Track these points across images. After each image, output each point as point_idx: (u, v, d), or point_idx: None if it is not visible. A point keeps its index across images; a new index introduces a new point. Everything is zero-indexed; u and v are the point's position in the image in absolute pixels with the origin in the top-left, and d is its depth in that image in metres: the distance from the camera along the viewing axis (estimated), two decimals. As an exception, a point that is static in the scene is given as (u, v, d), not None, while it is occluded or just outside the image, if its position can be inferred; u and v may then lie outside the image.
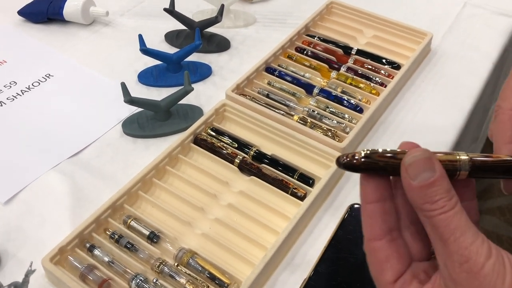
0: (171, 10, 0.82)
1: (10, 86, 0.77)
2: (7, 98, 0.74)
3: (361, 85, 0.75)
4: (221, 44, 0.85)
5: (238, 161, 0.63)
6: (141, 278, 0.51)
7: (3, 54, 0.82)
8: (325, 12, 0.89)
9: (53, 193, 0.62)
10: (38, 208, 0.60)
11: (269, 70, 0.77)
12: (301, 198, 0.59)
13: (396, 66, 0.78)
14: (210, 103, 0.74)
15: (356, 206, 0.58)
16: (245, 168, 0.63)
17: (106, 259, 0.53)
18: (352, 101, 0.72)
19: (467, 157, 0.32)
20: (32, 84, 0.77)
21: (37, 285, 0.52)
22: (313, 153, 0.64)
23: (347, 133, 0.67)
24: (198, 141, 0.66)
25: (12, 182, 0.62)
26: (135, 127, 0.70)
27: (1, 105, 0.73)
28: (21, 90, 0.76)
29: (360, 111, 0.71)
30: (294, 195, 0.60)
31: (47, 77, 0.78)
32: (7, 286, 0.45)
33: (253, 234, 0.56)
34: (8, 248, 0.56)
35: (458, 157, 0.32)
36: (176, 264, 0.54)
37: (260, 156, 0.64)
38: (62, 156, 0.66)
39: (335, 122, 0.68)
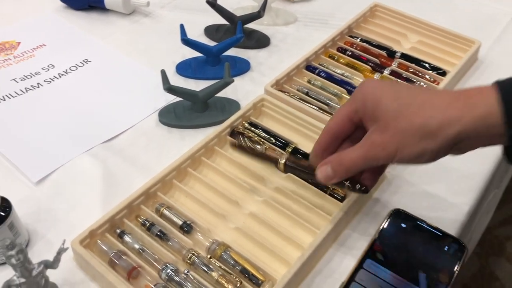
0: (213, 3, 0.81)
1: (48, 69, 0.76)
2: (44, 80, 0.74)
3: (405, 89, 0.72)
4: (260, 41, 0.83)
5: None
6: (171, 268, 0.49)
7: (43, 38, 0.82)
8: (368, 15, 0.87)
9: (85, 176, 0.60)
10: (69, 191, 0.59)
11: (310, 68, 0.75)
12: (340, 200, 0.56)
13: (441, 73, 0.76)
14: (247, 98, 0.72)
15: (400, 211, 0.55)
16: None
17: (137, 246, 0.52)
18: (395, 104, 0.69)
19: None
20: (70, 68, 0.76)
21: (64, 268, 0.50)
22: (354, 154, 0.62)
23: (390, 136, 0.64)
24: (235, 134, 0.64)
25: (45, 163, 0.61)
26: (172, 117, 0.68)
27: (39, 87, 0.73)
28: (58, 74, 0.75)
29: (404, 115, 0.68)
30: (332, 196, 0.57)
31: (85, 62, 0.78)
32: (37, 264, 0.44)
33: (289, 232, 0.54)
34: (37, 228, 0.55)
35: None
36: (208, 256, 0.51)
37: (298, 154, 0.62)
38: (96, 140, 0.65)
39: (378, 124, 0.66)
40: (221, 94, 0.71)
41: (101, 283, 0.50)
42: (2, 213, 0.49)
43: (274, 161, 0.56)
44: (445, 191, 0.60)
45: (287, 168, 0.55)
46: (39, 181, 0.59)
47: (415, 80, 0.73)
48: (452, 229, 0.55)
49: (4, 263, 0.51)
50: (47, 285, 0.45)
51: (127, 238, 0.52)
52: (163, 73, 0.65)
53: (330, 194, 0.57)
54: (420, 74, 0.75)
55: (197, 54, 0.78)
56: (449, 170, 0.62)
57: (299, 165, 0.55)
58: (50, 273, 0.46)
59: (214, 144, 0.63)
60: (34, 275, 0.43)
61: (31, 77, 0.74)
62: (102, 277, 0.48)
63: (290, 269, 0.48)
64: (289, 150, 0.62)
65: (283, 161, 0.55)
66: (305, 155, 0.62)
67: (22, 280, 0.43)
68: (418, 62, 0.77)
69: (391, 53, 0.79)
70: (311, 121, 0.65)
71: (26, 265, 0.42)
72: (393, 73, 0.75)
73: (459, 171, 0.62)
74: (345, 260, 0.53)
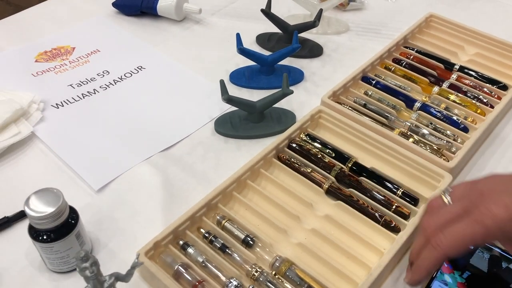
0: (267, 12, 0.80)
1: (103, 75, 0.77)
2: (100, 86, 0.74)
3: (466, 104, 0.70)
4: (313, 50, 0.82)
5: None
6: (237, 283, 0.49)
7: (97, 44, 0.83)
8: (424, 25, 0.85)
9: (145, 185, 0.60)
10: (130, 199, 0.59)
11: (366, 79, 0.74)
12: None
13: (502, 86, 0.73)
14: (301, 108, 0.71)
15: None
16: (342, 182, 0.60)
17: (200, 259, 0.51)
18: (457, 119, 0.67)
19: None
20: (124, 75, 0.77)
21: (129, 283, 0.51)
22: (416, 170, 0.60)
23: (453, 152, 0.62)
24: (293, 146, 0.63)
25: (105, 171, 0.61)
26: (228, 127, 0.68)
27: (95, 93, 0.73)
28: (113, 80, 0.76)
29: (465, 129, 0.66)
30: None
31: (139, 69, 0.78)
32: (109, 276, 0.44)
33: (353, 250, 0.52)
34: (100, 237, 0.55)
35: None
36: (273, 273, 0.51)
37: (358, 169, 0.61)
38: (155, 149, 0.65)
39: (439, 139, 0.64)
40: (276, 104, 0.70)
41: (167, 296, 0.49)
42: (71, 222, 0.49)
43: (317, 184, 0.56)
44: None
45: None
46: (100, 189, 0.60)
47: (476, 95, 0.71)
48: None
49: (70, 271, 0.51)
50: (118, 297, 0.45)
51: (190, 250, 0.52)
52: (222, 83, 0.64)
53: (385, 222, 0.55)
54: (480, 87, 0.73)
55: (250, 62, 0.77)
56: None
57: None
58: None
59: (273, 156, 0.62)
60: (106, 287, 0.43)
61: (87, 83, 0.75)
62: (167, 292, 0.48)
63: (358, 289, 0.47)
64: (349, 164, 0.61)
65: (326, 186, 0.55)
66: (366, 171, 0.60)
67: (95, 292, 0.43)
68: (477, 75, 0.75)
69: (448, 65, 0.77)
70: (372, 135, 0.63)
71: (99, 278, 0.43)
72: (452, 86, 0.73)
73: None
74: (412, 281, 0.51)
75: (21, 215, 0.56)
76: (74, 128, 0.67)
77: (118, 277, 0.44)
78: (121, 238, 0.55)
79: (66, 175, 0.61)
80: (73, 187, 0.60)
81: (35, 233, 0.48)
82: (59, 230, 0.48)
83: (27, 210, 0.46)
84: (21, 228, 0.56)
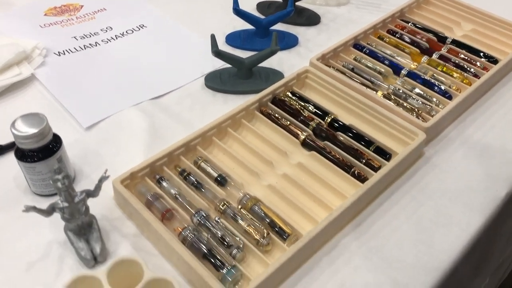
0: (267, -22, 0.82)
1: (106, 31, 0.80)
2: (102, 40, 0.78)
3: (454, 74, 0.71)
4: (311, 19, 0.84)
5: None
6: (203, 214, 0.51)
7: (104, 3, 0.87)
8: (422, 1, 0.86)
9: (131, 127, 0.64)
10: (116, 138, 0.62)
11: (357, 47, 0.76)
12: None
13: (493, 61, 0.74)
14: (291, 70, 0.72)
15: None
16: (319, 137, 0.62)
17: (173, 191, 0.54)
18: (441, 87, 0.68)
19: None
20: (126, 32, 0.80)
21: (103, 206, 0.54)
22: (393, 129, 0.62)
23: (432, 115, 0.63)
24: (276, 101, 0.65)
25: (95, 111, 0.65)
26: (217, 82, 0.70)
27: (96, 46, 0.77)
28: (115, 35, 0.79)
29: (449, 97, 0.67)
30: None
31: (141, 27, 0.82)
32: (80, 192, 0.47)
33: (320, 195, 0.54)
34: (83, 169, 0.58)
35: None
36: (239, 207, 0.53)
37: (337, 124, 0.63)
38: (145, 96, 0.68)
39: (420, 103, 0.65)
40: (266, 65, 0.72)
41: (137, 221, 0.52)
42: (54, 146, 0.52)
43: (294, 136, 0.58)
44: (482, 174, 0.59)
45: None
46: (89, 127, 0.63)
47: (466, 67, 0.72)
48: (487, 211, 0.55)
49: (51, 195, 0.55)
50: (87, 213, 0.48)
51: (164, 184, 0.55)
52: (213, 37, 0.67)
53: (357, 174, 0.57)
54: (471, 60, 0.74)
55: (247, 26, 0.80)
56: (490, 151, 0.61)
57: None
58: (90, 207, 0.49)
59: (255, 108, 0.64)
60: (77, 201, 0.47)
61: (90, 36, 0.79)
62: (138, 215, 0.51)
63: (316, 226, 0.49)
64: (328, 120, 0.63)
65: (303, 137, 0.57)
66: (344, 127, 0.62)
67: (66, 204, 0.46)
68: (470, 49, 0.76)
69: (442, 39, 0.78)
70: (354, 95, 0.65)
71: (70, 191, 0.46)
72: (442, 57, 0.74)
73: (501, 155, 0.61)
74: (374, 226, 0.53)
75: (13, 145, 0.60)
76: (72, 73, 0.71)
77: (88, 193, 0.47)
78: (103, 171, 0.58)
79: (60, 114, 0.65)
80: (64, 124, 0.63)
81: (20, 154, 0.52)
82: (41, 152, 0.51)
83: (13, 130, 0.50)
84: (12, 157, 0.59)
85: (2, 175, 0.57)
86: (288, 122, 0.63)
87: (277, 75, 0.72)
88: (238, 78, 0.70)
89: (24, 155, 0.51)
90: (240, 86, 0.70)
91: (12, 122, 0.51)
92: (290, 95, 0.67)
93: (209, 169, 0.57)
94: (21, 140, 0.50)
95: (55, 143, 0.53)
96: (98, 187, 0.47)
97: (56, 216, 0.51)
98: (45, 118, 0.51)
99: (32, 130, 0.50)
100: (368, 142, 0.60)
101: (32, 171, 0.52)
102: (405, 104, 0.65)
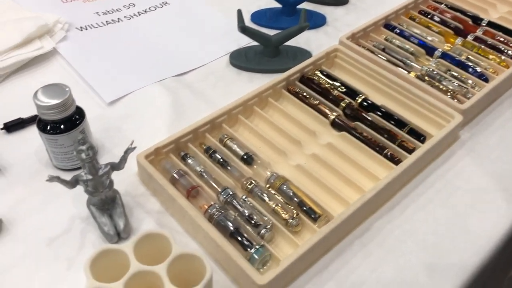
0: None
1: (129, 7, 0.78)
2: (124, 16, 0.76)
3: (490, 56, 0.68)
4: (339, -2, 0.81)
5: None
6: (230, 192, 0.49)
7: (127, -20, 0.85)
8: (456, -19, 0.82)
9: (154, 103, 0.62)
10: (139, 114, 0.60)
11: (388, 27, 0.73)
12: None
13: (531, 44, 0.70)
14: (319, 49, 0.70)
15: None
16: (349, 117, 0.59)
17: (198, 169, 0.52)
18: (477, 69, 0.65)
19: None
20: (149, 8, 0.78)
21: (127, 181, 0.52)
22: (427, 110, 0.59)
23: (468, 98, 0.60)
24: (305, 80, 0.63)
25: (118, 86, 0.63)
26: (242, 59, 0.68)
27: (118, 21, 0.75)
28: (138, 12, 0.77)
29: (486, 80, 0.64)
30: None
31: (164, 4, 0.79)
32: (104, 164, 0.45)
33: (351, 176, 0.52)
34: (105, 144, 0.57)
35: None
36: (267, 186, 0.51)
37: (368, 105, 0.60)
38: (169, 73, 0.66)
39: (456, 85, 0.63)
40: (293, 43, 0.70)
41: (161, 197, 0.51)
42: (77, 118, 0.51)
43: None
44: (523, 159, 0.56)
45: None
46: (111, 103, 0.62)
47: (503, 49, 0.69)
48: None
49: (73, 169, 0.53)
50: (111, 186, 0.46)
51: (189, 161, 0.53)
52: (239, 12, 0.65)
53: (390, 156, 0.54)
54: (507, 42, 0.70)
55: (273, 5, 0.77)
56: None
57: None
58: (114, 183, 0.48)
59: (282, 87, 0.62)
60: (101, 174, 0.45)
61: (113, 12, 0.77)
62: (163, 191, 0.49)
63: (349, 208, 0.47)
64: (359, 100, 0.61)
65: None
66: (375, 107, 0.60)
67: (89, 177, 0.44)
68: (506, 31, 0.73)
69: (476, 20, 0.75)
70: (386, 75, 0.62)
71: (94, 163, 0.44)
72: (477, 39, 0.71)
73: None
74: (408, 210, 0.51)
75: (34, 118, 0.59)
76: (94, 48, 0.70)
77: (113, 166, 0.46)
78: (125, 146, 0.55)
79: (82, 88, 0.63)
80: (87, 99, 0.62)
81: (42, 125, 0.50)
82: (64, 124, 0.50)
83: (36, 100, 0.48)
84: (34, 130, 0.58)
85: (24, 149, 0.56)
86: (317, 102, 0.60)
87: (305, 54, 0.69)
88: (264, 56, 0.68)
89: (46, 127, 0.50)
90: (266, 65, 0.67)
91: (34, 92, 0.49)
92: (319, 74, 0.64)
93: (235, 147, 0.55)
94: (44, 111, 0.48)
95: (78, 115, 0.51)
96: (123, 159, 0.45)
97: (78, 190, 0.50)
98: (68, 88, 0.50)
99: (55, 101, 0.48)
100: (401, 123, 0.57)
101: (54, 143, 0.50)
102: (439, 86, 0.62)
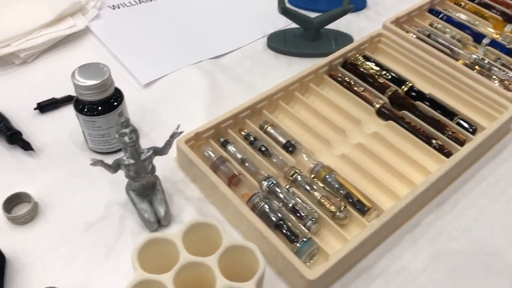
0: None
1: (163, -14, 0.76)
2: (158, -4, 0.74)
3: (542, 44, 0.64)
4: (379, -19, 0.78)
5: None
6: (273, 181, 0.47)
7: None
8: (504, -35, 0.78)
9: (191, 86, 0.60)
10: (175, 97, 0.58)
11: (433, 12, 0.69)
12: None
13: None
14: (360, 34, 0.67)
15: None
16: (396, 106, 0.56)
17: (239, 156, 0.50)
18: (529, 58, 0.62)
19: None
20: (183, -12, 0.76)
21: (165, 167, 0.50)
22: (477, 100, 0.56)
23: (521, 88, 0.57)
24: (348, 65, 0.60)
25: (154, 68, 0.61)
26: (281, 42, 0.65)
27: (152, 1, 0.72)
28: (172, -9, 0.75)
29: (538, 70, 0.61)
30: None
31: (199, -17, 0.77)
32: (147, 148, 0.43)
33: (399, 168, 0.50)
34: (142, 127, 0.55)
35: None
36: (312, 176, 0.49)
37: (415, 93, 0.57)
38: (205, 55, 0.64)
39: (508, 74, 0.59)
40: (334, 27, 0.67)
41: (201, 184, 0.49)
42: (116, 100, 0.49)
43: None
44: None
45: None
46: (147, 85, 0.60)
47: (553, 37, 0.65)
48: None
49: (110, 153, 0.51)
50: (153, 172, 0.45)
51: (230, 147, 0.51)
52: (280, -7, 0.62)
53: (438, 147, 0.51)
54: (560, 31, 0.67)
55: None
56: None
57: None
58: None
59: (324, 72, 0.59)
60: (143, 158, 0.43)
61: (146, -9, 0.75)
62: (203, 178, 0.47)
63: (400, 201, 0.45)
64: (405, 88, 0.58)
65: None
66: (422, 96, 0.57)
67: (131, 161, 0.42)
68: (558, 18, 0.69)
69: (527, 7, 0.71)
70: (434, 62, 0.59)
71: (137, 147, 0.42)
72: (528, 26, 0.67)
73: None
74: (459, 205, 0.48)
75: (68, 99, 0.57)
76: (128, 28, 0.67)
77: (156, 150, 0.44)
78: (162, 130, 0.54)
79: (116, 69, 0.61)
80: (121, 80, 0.59)
81: (80, 106, 0.48)
82: (102, 105, 0.48)
83: (74, 80, 0.46)
84: (68, 111, 0.56)
85: (58, 130, 0.54)
86: (362, 88, 0.58)
87: (346, 38, 0.66)
88: (304, 40, 0.65)
89: (84, 108, 0.48)
90: (306, 48, 0.65)
91: (72, 72, 0.47)
92: (362, 59, 0.61)
93: (276, 135, 0.52)
94: (82, 91, 0.47)
95: (117, 97, 0.49)
96: (169, 143, 0.43)
97: (115, 175, 0.48)
98: (107, 68, 0.48)
99: (95, 81, 0.46)
100: (451, 114, 0.55)
101: (92, 125, 0.49)
102: (490, 75, 0.59)
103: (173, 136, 0.42)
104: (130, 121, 0.41)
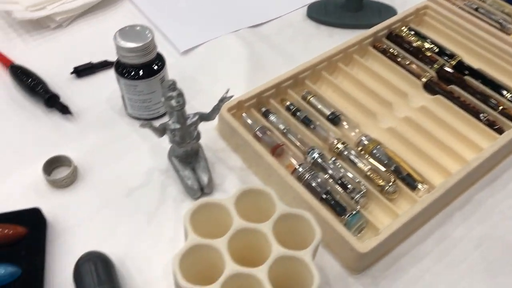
0: None
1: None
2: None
3: None
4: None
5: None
6: (318, 152, 0.46)
7: None
8: None
9: (230, 54, 0.58)
10: (214, 65, 0.57)
11: (481, -15, 0.66)
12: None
13: None
14: (404, 8, 0.64)
15: None
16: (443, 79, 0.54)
17: (282, 126, 0.48)
18: None
19: None
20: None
21: (206, 136, 0.49)
22: (530, 76, 0.54)
23: None
24: (393, 37, 0.58)
25: (192, 35, 0.60)
26: (322, 13, 0.63)
27: (187, -33, 0.70)
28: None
29: None
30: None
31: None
32: (193, 114, 0.42)
33: (448, 143, 0.48)
34: (180, 95, 0.53)
35: None
36: (359, 149, 0.47)
37: (463, 68, 0.55)
38: (243, 24, 0.62)
39: (562, 50, 0.57)
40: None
41: (244, 154, 0.47)
42: (158, 65, 0.47)
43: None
44: None
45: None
46: (185, 52, 0.58)
47: None
48: None
49: (150, 119, 0.50)
50: (199, 138, 0.43)
51: (272, 118, 0.49)
52: (324, -40, 0.60)
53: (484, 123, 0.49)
54: None
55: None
56: None
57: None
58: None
59: (368, 43, 0.57)
60: (189, 123, 0.42)
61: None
62: (246, 148, 0.46)
63: (452, 177, 0.43)
64: (453, 62, 0.55)
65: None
66: (472, 71, 0.54)
67: (177, 126, 0.41)
68: None
69: None
70: (484, 36, 0.57)
71: (183, 112, 0.41)
72: None
73: None
74: (511, 183, 0.46)
75: (105, 64, 0.56)
76: (165, -4, 0.66)
77: (202, 116, 0.42)
78: (202, 98, 0.53)
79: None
80: (158, 47, 0.58)
81: (122, 69, 0.47)
82: (143, 69, 0.46)
83: (116, 42, 0.45)
84: (104, 76, 0.55)
85: (95, 95, 0.53)
86: (408, 61, 0.55)
87: (389, 11, 0.64)
88: (346, 11, 0.63)
89: (125, 71, 0.47)
90: (348, 19, 0.62)
91: (115, 33, 0.46)
92: (407, 31, 0.59)
93: (320, 106, 0.51)
94: (125, 53, 0.45)
95: (159, 62, 0.48)
96: (217, 108, 0.41)
97: (156, 143, 0.47)
98: (150, 31, 0.46)
99: (138, 43, 0.45)
100: (502, 89, 0.52)
101: (133, 89, 0.47)
102: (542, 51, 0.56)
103: (222, 100, 0.41)
104: (177, 84, 0.40)
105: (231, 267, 0.31)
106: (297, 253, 0.31)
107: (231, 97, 0.41)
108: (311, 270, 0.31)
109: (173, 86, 0.40)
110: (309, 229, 0.33)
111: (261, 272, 0.30)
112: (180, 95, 0.40)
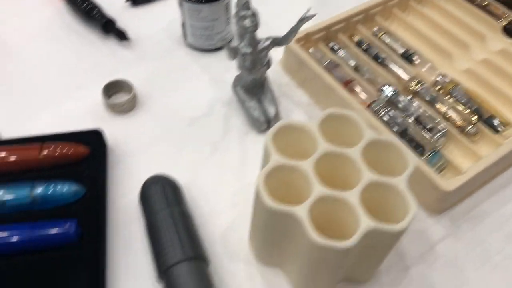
0: None
1: None
2: None
3: None
4: None
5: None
6: (394, 89, 0.43)
7: None
8: None
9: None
10: (277, -1, 0.53)
11: None
12: None
13: None
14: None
15: None
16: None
17: (352, 62, 0.45)
18: None
19: None
20: None
21: (269, 71, 0.46)
22: None
23: None
24: (470, -24, 0.54)
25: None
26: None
27: None
28: None
29: None
30: None
31: None
32: (265, 38, 0.39)
33: (533, 88, 0.44)
34: (240, 27, 0.50)
35: None
36: (437, 88, 0.44)
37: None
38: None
39: None
40: None
41: (311, 89, 0.45)
42: (224, -12, 0.44)
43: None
44: None
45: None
46: None
47: None
48: None
49: (209, 51, 0.48)
50: (269, 65, 0.40)
51: (342, 53, 0.46)
52: None
53: None
54: None
55: None
56: None
57: None
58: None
59: (443, -17, 0.53)
60: (261, 48, 0.39)
61: None
62: (316, 81, 0.43)
63: (541, 120, 0.40)
64: (536, 5, 0.51)
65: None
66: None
67: (249, 49, 0.38)
68: None
69: None
70: None
71: (255, 35, 0.38)
72: None
73: None
74: None
75: (163, -7, 0.53)
76: None
77: (275, 40, 0.39)
78: (265, 30, 0.49)
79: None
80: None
81: (186, -7, 0.44)
82: (211, -8, 0.44)
83: (183, -39, 0.42)
84: (161, 5, 0.52)
85: (152, 24, 0.51)
86: (486, 2, 0.51)
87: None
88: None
89: (189, -5, 0.44)
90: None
91: (181, -47, 0.43)
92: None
93: (392, 43, 0.47)
94: (192, -26, 0.42)
95: (224, -13, 0.45)
96: (294, 30, 0.38)
97: (216, 73, 0.45)
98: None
99: (207, -38, 0.42)
100: None
101: (196, 15, 0.44)
102: None
103: (302, 20, 0.37)
104: (250, 4, 0.37)
105: (319, 189, 0.28)
106: (391, 180, 0.29)
107: (313, 16, 0.37)
108: (406, 199, 0.28)
109: (247, 4, 0.37)
110: (399, 158, 0.31)
111: (353, 197, 0.28)
112: (254, 14, 0.37)
